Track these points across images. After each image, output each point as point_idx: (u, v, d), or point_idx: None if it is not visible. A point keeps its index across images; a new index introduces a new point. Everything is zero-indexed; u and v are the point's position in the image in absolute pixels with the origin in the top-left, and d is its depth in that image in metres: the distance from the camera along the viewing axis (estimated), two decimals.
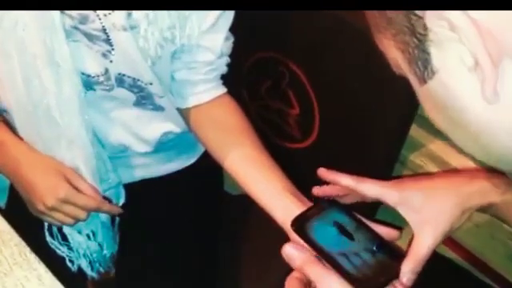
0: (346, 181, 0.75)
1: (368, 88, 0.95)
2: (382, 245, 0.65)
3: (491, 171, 0.70)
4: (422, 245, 0.67)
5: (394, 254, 0.66)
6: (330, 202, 0.71)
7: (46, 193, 0.88)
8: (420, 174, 0.95)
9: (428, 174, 0.79)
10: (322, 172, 0.77)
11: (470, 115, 0.39)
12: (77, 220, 0.92)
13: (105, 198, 0.95)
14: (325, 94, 1.03)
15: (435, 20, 0.37)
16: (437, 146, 0.97)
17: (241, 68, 1.13)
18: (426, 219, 0.69)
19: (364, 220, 0.70)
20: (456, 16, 0.35)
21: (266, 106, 1.15)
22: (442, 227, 0.68)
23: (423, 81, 0.41)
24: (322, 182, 1.13)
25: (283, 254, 0.59)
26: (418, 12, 0.38)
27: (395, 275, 0.65)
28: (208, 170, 1.08)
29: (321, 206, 0.71)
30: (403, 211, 0.71)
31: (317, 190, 0.79)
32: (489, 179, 0.70)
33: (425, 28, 0.38)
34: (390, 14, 0.41)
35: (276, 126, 1.15)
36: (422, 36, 0.39)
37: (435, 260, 0.70)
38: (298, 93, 1.07)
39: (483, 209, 0.70)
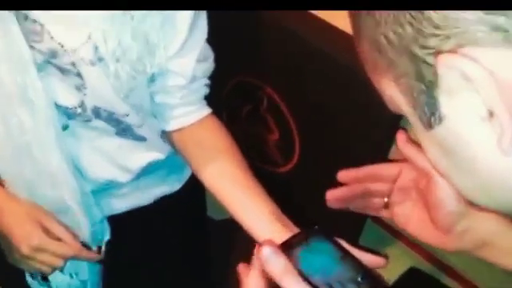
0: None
1: (347, 112, 0.95)
2: (367, 275, 0.65)
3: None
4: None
5: (378, 285, 0.65)
6: (315, 230, 0.70)
7: (20, 241, 0.86)
8: None
9: None
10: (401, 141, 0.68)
11: (481, 164, 0.39)
12: (54, 268, 0.91)
13: (83, 244, 0.94)
14: (303, 118, 1.03)
15: (446, 69, 0.36)
16: None
17: (220, 92, 1.13)
18: None
19: (349, 248, 0.70)
20: (470, 67, 0.35)
21: (246, 130, 1.15)
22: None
23: (429, 126, 0.40)
24: (304, 205, 1.13)
25: (260, 255, 0.53)
26: (429, 59, 0.37)
27: None
28: (191, 195, 1.08)
29: (306, 233, 0.70)
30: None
31: (330, 195, 0.74)
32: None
33: (435, 75, 0.37)
34: (393, 56, 0.40)
35: (257, 150, 1.15)
36: (430, 83, 0.38)
37: None
38: (276, 118, 1.07)
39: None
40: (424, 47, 0.37)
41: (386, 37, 0.39)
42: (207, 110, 0.92)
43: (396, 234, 1.29)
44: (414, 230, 0.68)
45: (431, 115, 0.39)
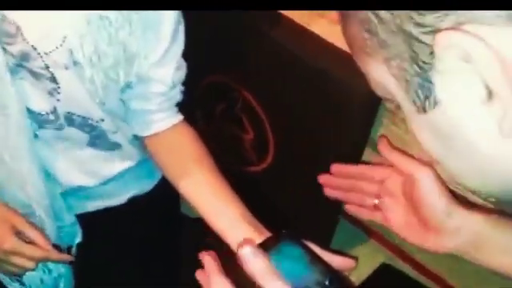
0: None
1: (319, 113, 0.96)
2: (334, 278, 0.66)
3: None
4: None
5: None
6: (285, 234, 0.71)
7: None
8: None
9: None
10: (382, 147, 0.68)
11: (477, 148, 0.37)
12: (25, 270, 0.91)
13: (55, 246, 0.94)
14: (277, 118, 1.04)
15: (445, 48, 0.34)
16: None
17: (193, 90, 1.13)
18: None
19: (319, 251, 0.71)
20: (474, 46, 0.32)
21: (220, 130, 1.15)
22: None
23: (423, 110, 0.38)
24: (278, 204, 1.14)
25: (240, 253, 0.54)
26: (425, 38, 0.35)
27: None
28: (164, 194, 1.08)
29: (275, 237, 0.71)
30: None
31: (323, 179, 0.74)
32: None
33: (431, 56, 0.35)
34: (385, 36, 0.37)
35: (231, 150, 1.16)
36: (425, 64, 0.36)
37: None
38: (251, 118, 1.08)
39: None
40: (419, 25, 0.35)
41: (378, 15, 0.37)
42: (180, 117, 0.93)
43: (368, 231, 1.31)
44: (407, 235, 0.68)
45: (425, 99, 0.37)
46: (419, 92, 0.37)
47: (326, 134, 0.97)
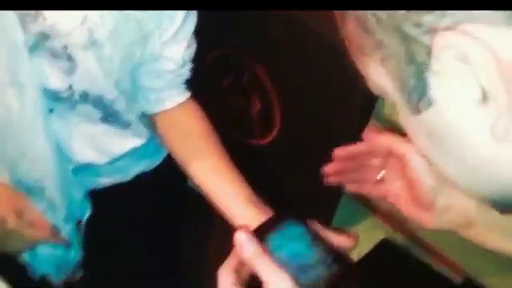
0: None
1: (327, 86, 0.97)
2: (337, 257, 0.67)
3: None
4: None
5: (347, 266, 0.67)
6: (288, 214, 0.72)
7: None
8: None
9: None
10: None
11: (469, 149, 0.38)
12: (23, 250, 0.95)
13: (54, 228, 0.96)
14: (284, 91, 1.05)
15: (443, 49, 0.34)
16: None
17: (201, 64, 1.13)
18: None
19: (320, 229, 0.72)
20: (472, 47, 0.32)
21: (228, 103, 1.16)
22: None
23: (417, 111, 0.38)
24: (283, 177, 1.15)
25: (236, 239, 0.55)
26: (422, 38, 0.35)
27: (348, 287, 0.67)
28: (171, 169, 1.09)
29: (278, 217, 0.72)
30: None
31: (327, 169, 0.73)
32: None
33: (427, 57, 0.35)
34: (382, 36, 0.37)
35: (238, 123, 1.17)
36: (422, 65, 0.36)
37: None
38: (258, 90, 1.08)
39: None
40: (417, 25, 0.34)
41: (375, 14, 0.37)
42: (187, 95, 0.94)
43: (370, 206, 1.32)
44: (403, 207, 0.69)
45: (420, 99, 0.37)
46: (414, 92, 0.37)
47: (331, 108, 0.98)
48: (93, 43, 0.77)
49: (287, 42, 1.00)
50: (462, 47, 0.32)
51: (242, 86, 1.11)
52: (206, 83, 1.18)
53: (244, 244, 0.55)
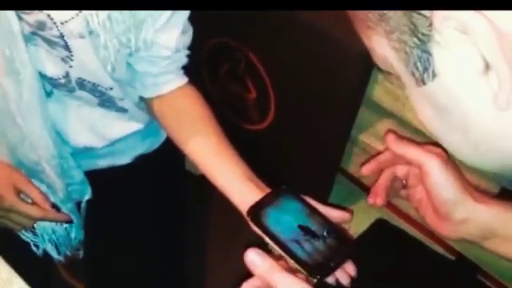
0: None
1: (319, 72, 0.99)
2: (332, 230, 0.69)
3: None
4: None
5: (343, 239, 0.69)
6: (284, 189, 0.74)
7: None
8: None
9: None
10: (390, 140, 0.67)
11: (474, 120, 0.38)
12: (23, 227, 0.96)
13: (54, 205, 0.98)
14: (278, 78, 1.06)
15: (443, 20, 0.34)
16: (383, 127, 1.03)
17: (198, 52, 1.15)
18: None
19: (316, 205, 0.74)
20: (471, 18, 0.32)
21: (225, 89, 1.18)
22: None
23: (421, 82, 0.39)
24: (280, 161, 1.17)
25: (246, 259, 0.54)
26: (425, 11, 0.35)
27: (344, 260, 0.69)
28: (170, 151, 1.10)
29: (275, 193, 0.74)
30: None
31: (365, 170, 0.73)
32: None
33: (430, 28, 0.35)
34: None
35: (236, 108, 1.18)
36: (424, 36, 0.36)
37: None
38: (253, 78, 1.10)
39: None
40: None
41: None
42: (184, 80, 0.95)
43: (365, 188, 1.34)
44: (423, 212, 0.69)
45: (424, 71, 0.38)
46: (418, 64, 0.38)
47: (323, 93, 1.00)
48: (90, 32, 0.78)
49: (279, 30, 1.02)
50: (461, 17, 0.33)
51: (239, 73, 1.13)
52: (204, 71, 1.20)
53: (254, 262, 0.54)
